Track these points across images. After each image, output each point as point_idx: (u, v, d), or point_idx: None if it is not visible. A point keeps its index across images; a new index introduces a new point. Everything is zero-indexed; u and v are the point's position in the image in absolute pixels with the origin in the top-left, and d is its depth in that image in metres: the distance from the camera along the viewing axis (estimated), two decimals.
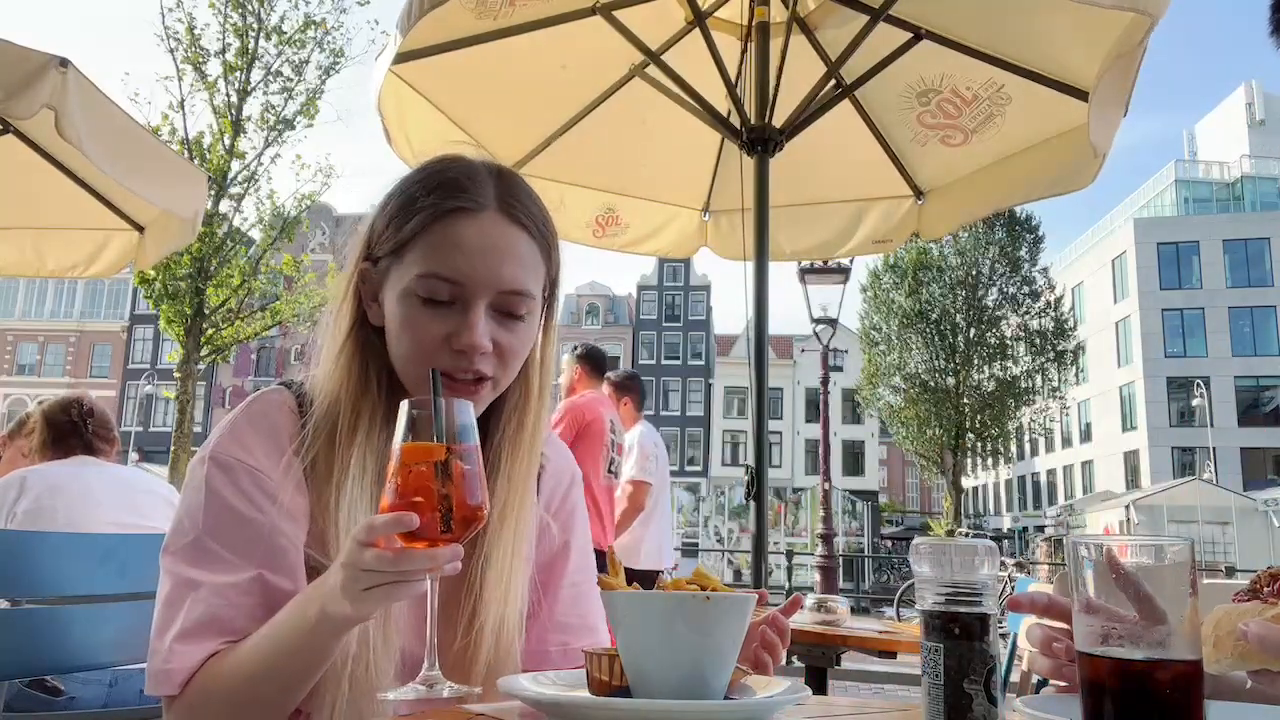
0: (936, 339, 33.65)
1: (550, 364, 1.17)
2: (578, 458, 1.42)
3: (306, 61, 17.43)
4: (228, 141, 16.70)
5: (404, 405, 0.88)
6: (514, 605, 1.10)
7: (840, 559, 17.47)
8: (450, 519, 0.85)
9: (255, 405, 1.07)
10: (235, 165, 16.85)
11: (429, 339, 1.02)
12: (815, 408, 47.43)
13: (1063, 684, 0.84)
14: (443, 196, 1.03)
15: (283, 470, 1.02)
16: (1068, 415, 46.34)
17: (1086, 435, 47.52)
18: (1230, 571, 20.86)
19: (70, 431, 2.72)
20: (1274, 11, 0.95)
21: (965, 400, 33.14)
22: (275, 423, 1.05)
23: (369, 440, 1.04)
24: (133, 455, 34.10)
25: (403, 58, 2.76)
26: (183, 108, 16.42)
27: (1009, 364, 34.03)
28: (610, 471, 4.71)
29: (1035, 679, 3.38)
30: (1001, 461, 33.38)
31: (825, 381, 15.22)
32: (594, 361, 4.95)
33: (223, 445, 1.02)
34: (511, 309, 1.05)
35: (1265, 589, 0.83)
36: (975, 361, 33.59)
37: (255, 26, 17.11)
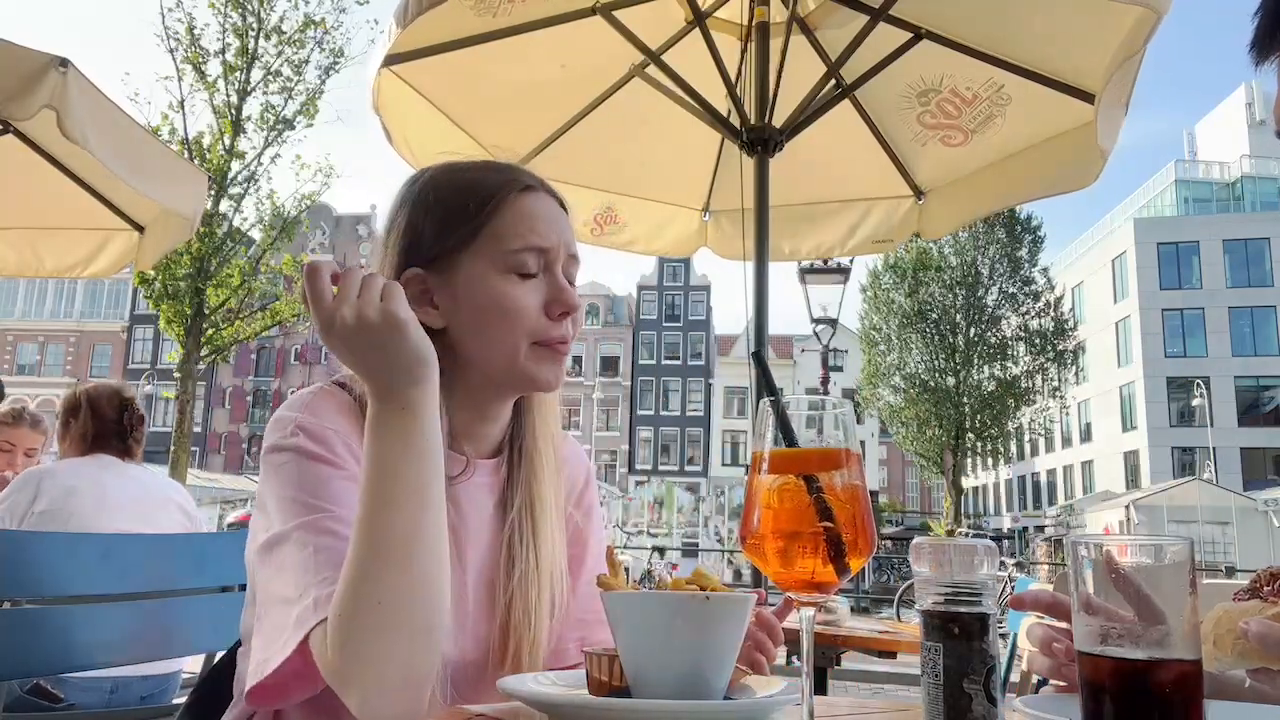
0: (936, 339, 33.64)
1: None
2: None
3: (306, 61, 17.47)
4: (228, 141, 16.72)
5: (767, 403, 0.71)
6: (560, 596, 1.13)
7: None
8: (845, 550, 0.70)
9: (320, 393, 1.04)
10: (235, 165, 16.88)
11: (527, 310, 1.04)
12: None
13: (1062, 684, 0.84)
14: (508, 178, 1.09)
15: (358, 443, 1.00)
16: (1068, 415, 46.31)
17: (1086, 435, 47.49)
18: (1230, 571, 20.87)
19: (115, 432, 2.67)
20: (1260, 26, 0.91)
21: (965, 400, 33.12)
22: (344, 405, 1.04)
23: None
24: None
25: (403, 57, 2.76)
26: (183, 108, 16.47)
27: (1009, 364, 34.02)
28: None
29: (1035, 679, 3.38)
30: (1001, 461, 33.34)
31: (825, 381, 15.21)
32: None
33: (306, 420, 0.99)
34: (573, 274, 1.10)
35: (1265, 588, 0.83)
36: (975, 361, 33.57)
37: (255, 26, 17.13)
